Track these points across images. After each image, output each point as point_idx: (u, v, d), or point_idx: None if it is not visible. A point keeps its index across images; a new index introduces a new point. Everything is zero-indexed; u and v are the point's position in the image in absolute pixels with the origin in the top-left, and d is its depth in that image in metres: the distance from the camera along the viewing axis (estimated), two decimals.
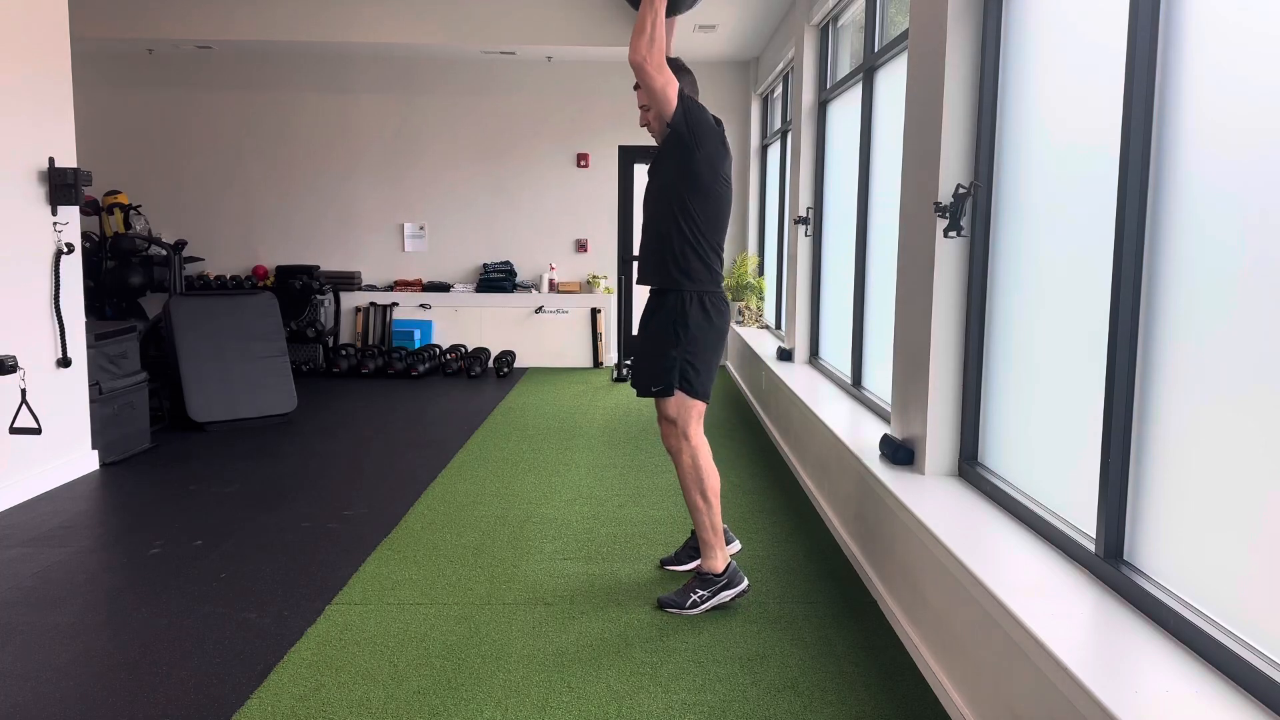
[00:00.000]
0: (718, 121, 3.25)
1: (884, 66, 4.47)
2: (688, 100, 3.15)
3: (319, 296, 8.48)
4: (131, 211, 7.52)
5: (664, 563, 3.61)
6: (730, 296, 8.13)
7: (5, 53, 4.39)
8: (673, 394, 3.21)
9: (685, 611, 3.14)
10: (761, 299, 8.40)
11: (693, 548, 3.56)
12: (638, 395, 3.31)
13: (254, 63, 8.88)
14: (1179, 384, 2.02)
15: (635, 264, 3.37)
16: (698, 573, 3.22)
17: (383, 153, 9.01)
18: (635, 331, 3.48)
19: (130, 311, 7.35)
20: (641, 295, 9.30)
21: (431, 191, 9.06)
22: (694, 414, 3.24)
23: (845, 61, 5.70)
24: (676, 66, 3.24)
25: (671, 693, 2.61)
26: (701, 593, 3.16)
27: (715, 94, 9.04)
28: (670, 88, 3.10)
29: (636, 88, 3.25)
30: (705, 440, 3.27)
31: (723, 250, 3.29)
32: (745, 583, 3.22)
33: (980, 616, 2.31)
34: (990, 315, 3.07)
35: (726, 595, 3.17)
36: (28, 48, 4.54)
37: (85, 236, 6.87)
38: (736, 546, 3.51)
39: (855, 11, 5.37)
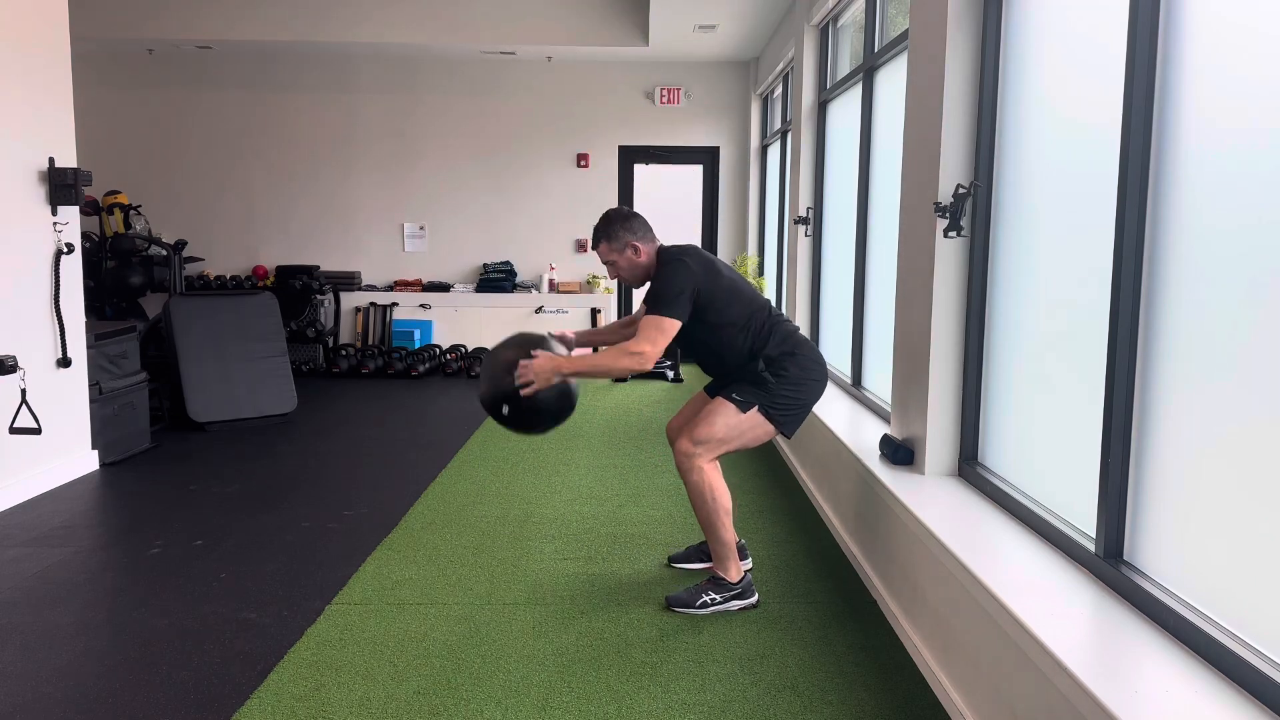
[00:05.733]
0: (688, 256, 3.17)
1: (884, 66, 4.47)
2: (669, 304, 3.06)
3: (319, 296, 8.47)
4: (131, 211, 7.52)
5: (672, 560, 3.61)
6: None
7: (5, 52, 4.39)
8: (748, 411, 3.13)
9: (694, 611, 3.14)
10: None
11: (703, 551, 3.56)
12: (710, 396, 3.23)
13: (254, 63, 8.88)
14: (1179, 383, 2.02)
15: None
16: (712, 575, 3.22)
17: (383, 153, 9.01)
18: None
19: (130, 311, 7.35)
20: (641, 296, 9.32)
21: (431, 191, 9.06)
22: (730, 446, 3.15)
23: (845, 61, 5.70)
24: (622, 218, 3.24)
25: (671, 693, 2.61)
26: (714, 595, 3.16)
27: (715, 94, 9.05)
28: (666, 325, 3.03)
29: (595, 246, 3.28)
30: (717, 463, 3.22)
31: (769, 311, 3.22)
32: (756, 598, 3.22)
33: (980, 616, 2.31)
34: (990, 315, 3.07)
35: (736, 605, 3.17)
36: (28, 48, 4.54)
37: (85, 236, 6.87)
38: (748, 564, 3.49)
39: (855, 11, 5.38)
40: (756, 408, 3.13)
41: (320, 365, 8.38)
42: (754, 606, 3.20)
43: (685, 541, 3.84)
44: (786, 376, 3.14)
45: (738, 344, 3.16)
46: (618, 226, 3.25)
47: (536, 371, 3.02)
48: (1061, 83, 2.65)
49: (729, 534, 3.19)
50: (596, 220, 3.32)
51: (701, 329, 3.18)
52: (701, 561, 3.55)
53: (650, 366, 3.04)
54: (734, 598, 3.17)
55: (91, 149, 6.63)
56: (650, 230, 3.29)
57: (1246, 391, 1.80)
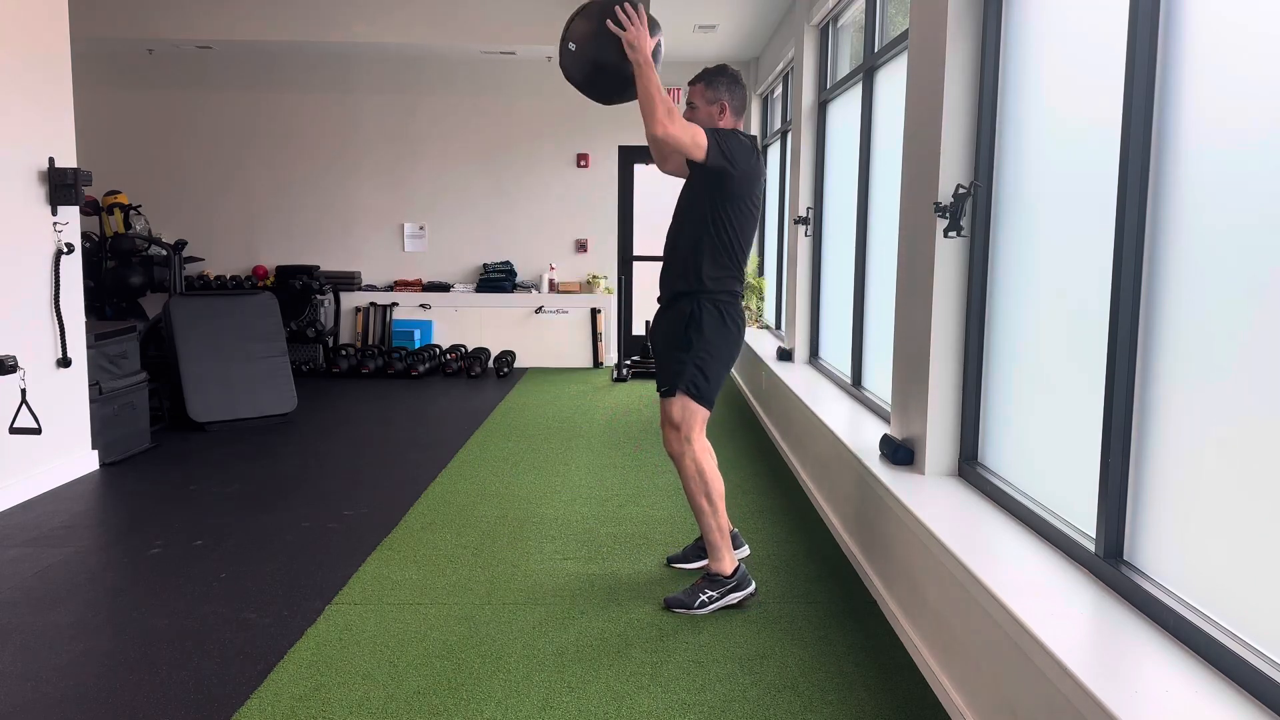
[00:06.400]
0: (751, 139, 3.24)
1: (884, 66, 4.47)
2: (714, 134, 3.11)
3: (319, 296, 8.47)
4: (131, 211, 7.52)
5: (671, 560, 3.61)
6: None
7: (5, 53, 4.39)
8: (675, 395, 3.21)
9: (694, 611, 3.14)
10: (761, 299, 8.39)
11: (700, 547, 3.56)
12: (658, 391, 3.30)
13: (254, 63, 8.87)
14: (1179, 383, 2.02)
15: (659, 276, 3.40)
16: (706, 573, 3.22)
17: (383, 153, 9.01)
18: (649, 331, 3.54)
19: (130, 311, 7.35)
20: (641, 296, 9.32)
21: (431, 191, 9.06)
22: (698, 419, 3.23)
23: (845, 61, 5.70)
24: (732, 79, 3.26)
25: (671, 693, 2.61)
26: (710, 593, 3.16)
27: None
28: (699, 136, 3.07)
29: (692, 83, 3.28)
30: (708, 445, 3.26)
31: (745, 265, 3.28)
32: (753, 586, 3.22)
33: (980, 616, 2.31)
34: (990, 315, 3.07)
35: (735, 597, 3.17)
36: (28, 48, 4.54)
37: (85, 236, 6.87)
38: (745, 551, 3.49)
39: (855, 11, 5.37)
40: (686, 395, 3.21)
41: (320, 365, 8.38)
42: (754, 595, 3.20)
43: (685, 541, 3.84)
44: (707, 341, 3.19)
45: (704, 249, 3.17)
46: (723, 82, 3.26)
47: (635, 43, 3.03)
48: (1061, 83, 2.65)
49: (722, 519, 3.20)
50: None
51: (697, 208, 3.20)
52: (700, 560, 3.55)
53: (660, 131, 3.01)
54: (731, 590, 3.17)
55: (91, 149, 6.62)
56: (743, 115, 3.32)
57: (1246, 391, 1.80)
